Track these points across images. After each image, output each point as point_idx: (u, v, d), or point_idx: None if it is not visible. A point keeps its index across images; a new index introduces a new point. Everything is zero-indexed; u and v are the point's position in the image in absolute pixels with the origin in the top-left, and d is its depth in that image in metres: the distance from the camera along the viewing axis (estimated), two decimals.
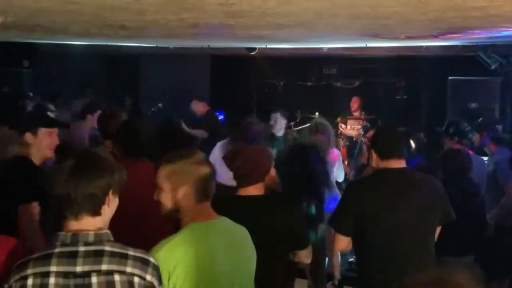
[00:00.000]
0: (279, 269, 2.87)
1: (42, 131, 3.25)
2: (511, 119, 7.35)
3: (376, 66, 9.33)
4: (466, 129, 5.34)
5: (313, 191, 4.06)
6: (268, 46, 7.85)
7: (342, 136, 8.50)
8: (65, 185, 1.79)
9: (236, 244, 2.29)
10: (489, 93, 7.83)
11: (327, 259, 5.11)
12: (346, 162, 7.29)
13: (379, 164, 3.05)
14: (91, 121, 5.48)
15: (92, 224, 1.83)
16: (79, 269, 1.75)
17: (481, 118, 5.83)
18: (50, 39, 7.43)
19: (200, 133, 7.48)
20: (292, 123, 8.61)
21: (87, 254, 1.77)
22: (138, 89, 11.00)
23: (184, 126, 6.85)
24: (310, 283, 4.64)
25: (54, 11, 3.66)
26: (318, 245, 3.96)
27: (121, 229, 1.97)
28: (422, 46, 7.45)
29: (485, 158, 5.36)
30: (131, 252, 1.83)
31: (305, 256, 3.04)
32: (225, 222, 2.29)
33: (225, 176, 3.24)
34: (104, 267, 1.76)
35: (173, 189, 2.20)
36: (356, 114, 8.86)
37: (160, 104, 9.12)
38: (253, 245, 2.38)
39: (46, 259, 1.76)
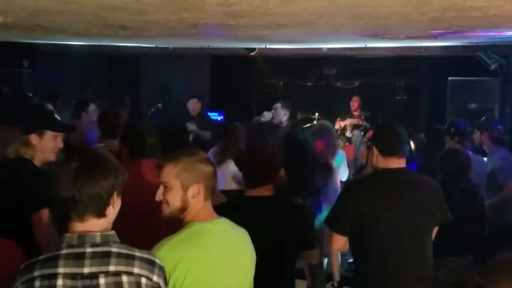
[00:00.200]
0: (290, 269, 2.87)
1: (48, 133, 3.24)
2: (510, 119, 7.35)
3: (376, 66, 9.33)
4: (467, 130, 5.35)
5: (308, 185, 4.06)
6: (268, 47, 7.85)
7: (341, 136, 8.50)
8: (71, 187, 1.78)
9: (235, 244, 2.29)
10: (489, 94, 7.82)
11: (326, 259, 5.11)
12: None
13: (379, 162, 3.05)
14: (86, 118, 5.51)
15: (97, 225, 1.82)
16: (86, 270, 1.74)
17: (483, 118, 5.82)
18: (50, 39, 7.43)
19: (207, 135, 7.51)
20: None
21: (94, 255, 1.76)
22: (138, 89, 11.00)
23: (194, 127, 6.88)
24: (309, 284, 4.63)
25: (54, 11, 3.66)
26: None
27: (125, 228, 1.97)
28: (422, 47, 7.45)
29: (486, 158, 5.35)
30: (137, 253, 1.83)
31: (314, 257, 3.04)
32: (225, 223, 2.30)
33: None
34: (111, 268, 1.76)
35: (183, 187, 2.18)
36: (356, 113, 8.87)
37: (160, 104, 9.12)
38: (252, 247, 2.37)
39: (53, 260, 1.75)
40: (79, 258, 1.75)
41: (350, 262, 5.67)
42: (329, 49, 8.07)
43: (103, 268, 1.75)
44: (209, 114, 9.36)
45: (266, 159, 2.82)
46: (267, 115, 6.65)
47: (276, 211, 2.80)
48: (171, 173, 2.19)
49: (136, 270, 1.79)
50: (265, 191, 2.80)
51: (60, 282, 1.73)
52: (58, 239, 1.82)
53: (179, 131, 4.73)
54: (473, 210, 4.15)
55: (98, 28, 4.94)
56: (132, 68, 10.86)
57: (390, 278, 2.98)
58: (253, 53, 8.31)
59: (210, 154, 5.29)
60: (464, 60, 7.88)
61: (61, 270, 1.73)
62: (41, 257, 1.78)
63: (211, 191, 2.25)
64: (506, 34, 5.11)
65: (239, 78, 10.49)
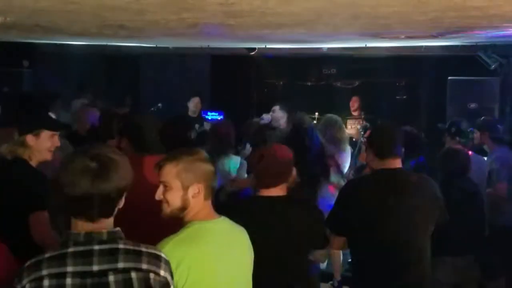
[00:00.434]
0: (303, 269, 2.88)
1: (45, 133, 3.24)
2: (510, 119, 7.35)
3: (376, 66, 9.33)
4: (468, 130, 5.35)
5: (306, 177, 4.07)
6: (268, 46, 7.85)
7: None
8: (87, 187, 1.76)
9: (235, 243, 2.30)
10: (489, 93, 7.82)
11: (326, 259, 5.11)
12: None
13: (375, 163, 3.06)
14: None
15: (104, 224, 1.82)
16: (95, 268, 1.74)
17: (482, 117, 5.83)
18: (50, 39, 7.43)
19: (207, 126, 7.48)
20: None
21: (102, 253, 1.76)
22: (138, 89, 10.98)
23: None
24: None
25: (54, 11, 3.66)
26: None
27: (125, 226, 1.96)
28: (422, 46, 7.46)
29: (486, 158, 5.36)
30: (143, 248, 1.83)
31: (322, 255, 3.05)
32: (225, 222, 2.30)
33: None
34: (120, 265, 1.75)
35: (184, 187, 2.18)
36: (356, 113, 8.86)
37: (160, 104, 9.10)
38: (251, 245, 2.38)
39: (61, 259, 1.74)
40: (88, 256, 1.74)
41: (350, 262, 5.67)
42: (329, 48, 8.07)
43: (112, 266, 1.75)
44: (209, 114, 9.36)
45: (280, 159, 2.82)
46: (266, 118, 6.67)
47: (291, 211, 2.79)
48: (171, 173, 2.19)
49: (144, 266, 1.79)
50: (278, 191, 2.79)
51: (69, 281, 1.71)
52: (63, 236, 1.80)
53: (183, 124, 4.74)
54: (473, 210, 4.15)
55: (98, 28, 4.94)
56: (132, 68, 10.84)
57: (388, 277, 2.99)
58: (253, 53, 8.30)
59: None
60: (464, 60, 7.88)
61: (70, 268, 1.72)
62: (47, 255, 1.76)
63: (211, 190, 2.25)
64: (506, 33, 5.10)
65: (239, 78, 10.49)
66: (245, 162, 5.04)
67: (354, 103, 8.92)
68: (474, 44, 6.86)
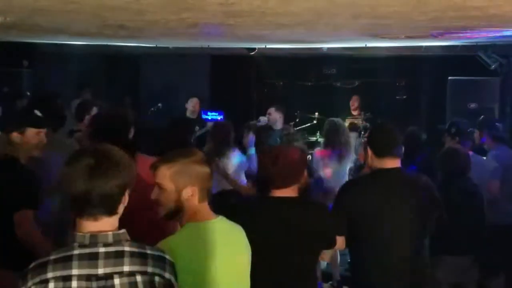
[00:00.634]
0: (313, 269, 2.91)
1: (30, 130, 3.24)
2: (510, 119, 7.35)
3: (376, 66, 9.34)
4: (468, 130, 5.35)
5: None
6: (267, 46, 7.85)
7: None
8: (85, 185, 1.75)
9: (233, 243, 2.30)
10: (489, 93, 7.83)
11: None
12: None
13: (374, 163, 3.06)
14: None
15: (108, 224, 1.80)
16: (101, 271, 1.72)
17: (482, 116, 5.84)
18: (50, 39, 7.43)
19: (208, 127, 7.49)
20: (291, 123, 8.61)
21: (107, 255, 1.74)
22: (138, 89, 10.99)
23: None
24: None
25: (54, 11, 3.66)
26: None
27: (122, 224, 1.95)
28: (421, 46, 7.46)
29: (485, 158, 5.36)
30: (148, 251, 1.82)
31: (327, 255, 3.05)
32: (222, 222, 2.30)
33: None
34: (126, 268, 1.74)
35: (177, 189, 2.18)
36: (356, 113, 8.88)
37: (159, 104, 9.11)
38: (248, 245, 2.38)
39: (66, 261, 1.72)
40: (93, 258, 1.73)
41: (349, 262, 5.68)
42: (329, 48, 8.07)
43: (118, 269, 1.74)
44: (209, 114, 9.36)
45: (294, 160, 2.82)
46: (262, 120, 6.70)
47: (303, 212, 2.80)
48: (166, 175, 2.18)
49: (149, 269, 1.78)
50: (291, 192, 2.80)
51: (75, 284, 1.70)
52: (68, 238, 1.78)
53: (183, 126, 4.73)
54: (473, 210, 4.15)
55: (98, 28, 4.94)
56: (132, 68, 10.85)
57: (387, 277, 2.99)
58: (253, 53, 8.30)
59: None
60: (464, 60, 7.88)
61: (75, 271, 1.70)
62: (52, 256, 1.74)
63: (207, 192, 2.23)
64: (506, 33, 5.10)
65: (239, 78, 10.49)
66: (245, 162, 5.05)
67: (354, 102, 8.94)
68: (474, 44, 6.86)
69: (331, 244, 2.93)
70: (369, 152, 3.08)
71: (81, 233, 1.77)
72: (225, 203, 4.09)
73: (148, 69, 10.83)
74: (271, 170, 2.76)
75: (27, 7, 3.50)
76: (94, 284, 1.71)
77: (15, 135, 3.20)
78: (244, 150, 5.24)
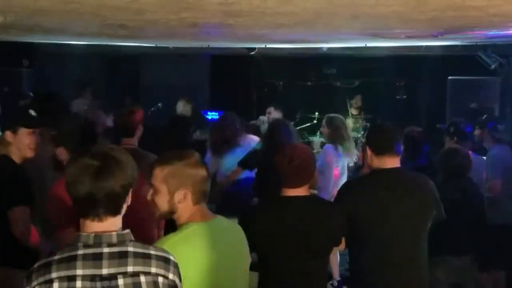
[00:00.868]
0: (325, 267, 2.95)
1: (22, 130, 3.23)
2: (510, 119, 7.35)
3: (376, 66, 9.34)
4: (466, 130, 5.35)
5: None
6: (267, 46, 7.85)
7: None
8: (91, 186, 1.75)
9: (232, 242, 2.30)
10: (489, 93, 7.83)
11: None
12: None
13: (373, 161, 3.06)
14: (101, 126, 5.56)
15: (113, 224, 1.80)
16: (105, 271, 1.72)
17: (485, 116, 5.85)
18: (50, 39, 7.43)
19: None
20: (291, 123, 8.61)
21: (111, 255, 1.74)
22: (138, 89, 10.99)
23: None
24: None
25: (53, 11, 3.66)
26: None
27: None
28: (422, 46, 7.45)
29: (485, 158, 5.36)
30: (152, 251, 1.82)
31: (333, 253, 3.07)
32: (221, 222, 2.30)
33: None
34: (130, 268, 1.74)
35: (170, 192, 2.17)
36: (356, 112, 8.91)
37: (159, 104, 9.11)
38: (247, 244, 2.39)
39: (70, 261, 1.72)
40: (97, 259, 1.73)
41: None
42: (329, 48, 8.07)
43: (122, 269, 1.74)
44: (209, 113, 9.36)
45: (308, 158, 2.85)
46: (262, 119, 6.74)
47: (317, 210, 2.84)
48: (159, 177, 2.18)
49: (153, 270, 1.78)
50: (303, 191, 2.82)
51: (79, 284, 1.70)
52: (73, 238, 1.78)
53: (185, 124, 4.71)
54: (473, 210, 4.15)
55: (98, 28, 4.94)
56: (132, 68, 10.85)
57: (386, 276, 2.99)
58: (253, 53, 8.31)
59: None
60: (464, 60, 7.88)
61: (79, 271, 1.70)
62: (56, 257, 1.74)
63: (202, 195, 2.21)
64: (506, 33, 5.10)
65: (239, 78, 10.49)
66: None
67: (358, 101, 9.00)
68: (474, 44, 6.86)
69: (338, 243, 2.96)
70: (368, 151, 3.08)
71: (85, 233, 1.78)
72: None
73: (148, 69, 10.83)
74: (286, 168, 2.77)
75: (27, 7, 3.50)
76: (98, 284, 1.71)
77: (8, 134, 3.21)
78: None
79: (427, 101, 9.71)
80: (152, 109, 9.25)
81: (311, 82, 10.14)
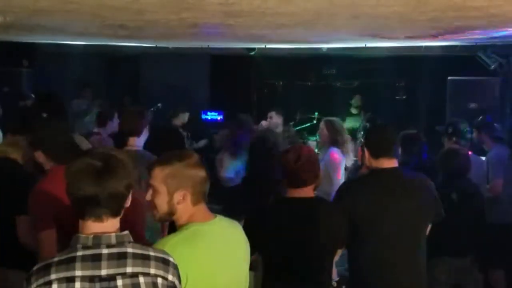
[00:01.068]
0: (330, 268, 2.95)
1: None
2: (510, 119, 7.35)
3: (376, 66, 9.33)
4: (465, 130, 5.35)
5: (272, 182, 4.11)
6: (267, 46, 7.85)
7: None
8: (95, 187, 1.76)
9: (232, 242, 2.30)
10: (489, 93, 7.82)
11: None
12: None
13: (371, 163, 3.07)
14: (111, 127, 5.67)
15: (112, 225, 1.81)
16: (104, 272, 1.72)
17: (481, 116, 5.85)
18: (50, 39, 7.43)
19: (202, 143, 7.57)
20: (291, 123, 8.62)
21: (110, 256, 1.74)
22: (138, 89, 10.99)
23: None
24: None
25: (53, 11, 3.66)
26: None
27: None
28: (421, 46, 7.45)
29: (484, 158, 5.36)
30: (152, 252, 1.82)
31: (337, 255, 3.07)
32: (221, 222, 2.29)
33: None
34: (128, 269, 1.75)
35: (169, 193, 2.17)
36: (356, 112, 8.92)
37: (159, 104, 9.11)
38: (248, 243, 2.39)
39: (69, 263, 1.72)
40: (96, 260, 1.73)
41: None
42: (328, 49, 8.07)
43: (120, 270, 1.74)
44: (209, 114, 9.36)
45: (314, 159, 2.87)
46: (264, 124, 6.76)
47: (322, 212, 2.85)
48: (158, 177, 2.17)
49: (152, 271, 1.78)
50: (308, 191, 2.83)
51: (78, 285, 1.70)
52: (72, 239, 1.79)
53: (172, 135, 4.70)
54: (473, 210, 4.15)
55: (97, 28, 4.94)
56: (132, 68, 10.85)
57: (385, 276, 2.99)
58: (252, 53, 8.31)
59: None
60: (464, 60, 7.88)
61: (78, 273, 1.71)
62: (56, 258, 1.74)
63: (202, 196, 2.21)
64: (506, 33, 5.11)
65: (239, 78, 10.49)
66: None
67: (358, 102, 9.01)
68: (474, 44, 6.87)
69: (342, 245, 2.97)
70: (366, 153, 3.09)
71: (84, 235, 1.78)
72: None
73: (148, 69, 10.83)
74: (294, 168, 2.78)
75: (27, 7, 3.50)
76: (97, 285, 1.72)
77: (19, 138, 3.19)
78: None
79: (426, 102, 9.70)
80: (152, 109, 9.24)
81: (310, 82, 10.13)
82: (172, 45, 8.53)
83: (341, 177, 5.30)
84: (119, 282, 1.73)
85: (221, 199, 4.08)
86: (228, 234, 2.29)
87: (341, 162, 5.28)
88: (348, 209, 2.96)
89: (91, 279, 1.71)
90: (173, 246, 2.07)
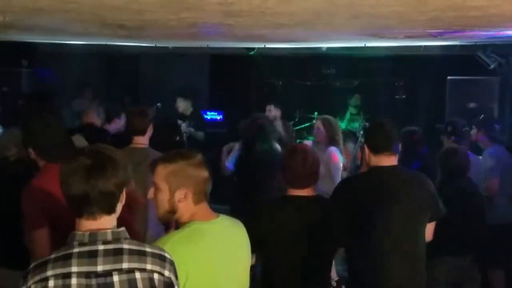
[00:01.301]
0: (329, 268, 2.97)
1: None
2: (509, 119, 7.35)
3: (375, 66, 9.33)
4: (464, 129, 5.36)
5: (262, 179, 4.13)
6: (267, 46, 7.85)
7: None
8: (84, 185, 1.77)
9: (234, 241, 2.31)
10: (488, 93, 7.82)
11: None
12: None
13: (371, 160, 3.08)
14: (116, 125, 5.74)
15: (107, 222, 1.82)
16: (100, 268, 1.74)
17: (482, 116, 5.86)
18: (49, 39, 7.42)
19: (200, 135, 7.57)
20: (291, 123, 8.62)
21: (106, 253, 1.76)
22: (137, 89, 10.99)
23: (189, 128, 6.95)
24: None
25: (53, 11, 3.66)
26: None
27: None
28: (421, 46, 7.45)
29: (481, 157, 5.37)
30: (148, 248, 1.83)
31: (336, 254, 3.09)
32: (223, 221, 2.30)
33: None
34: (125, 265, 1.76)
35: (171, 190, 2.18)
36: (356, 111, 8.92)
37: (159, 104, 9.11)
38: (249, 242, 2.39)
39: (66, 259, 1.74)
40: (92, 256, 1.74)
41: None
42: (328, 48, 8.06)
43: (117, 266, 1.75)
44: (208, 113, 9.35)
45: (316, 158, 2.87)
46: (267, 111, 6.83)
47: (322, 210, 2.87)
48: (161, 175, 2.19)
49: (148, 267, 1.79)
50: (310, 191, 2.85)
51: (74, 281, 1.71)
52: (68, 237, 1.80)
53: (170, 130, 4.73)
54: (472, 209, 4.15)
55: (97, 27, 4.93)
56: (131, 68, 10.84)
57: (384, 275, 2.99)
58: (252, 53, 8.31)
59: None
60: (463, 60, 7.88)
61: (75, 269, 1.72)
62: (52, 256, 1.76)
63: (203, 195, 2.23)
64: (506, 33, 5.11)
65: (239, 78, 10.48)
66: None
67: (357, 101, 9.02)
68: (473, 43, 6.86)
69: (344, 242, 2.97)
70: (366, 149, 3.10)
71: (80, 232, 1.79)
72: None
73: (147, 69, 10.83)
74: (302, 172, 2.78)
75: (26, 7, 3.50)
76: (94, 281, 1.73)
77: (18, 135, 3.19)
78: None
79: (426, 101, 9.70)
80: (153, 108, 9.25)
81: (310, 81, 10.13)
82: (172, 45, 8.53)
83: (339, 177, 5.30)
84: (116, 278, 1.74)
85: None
86: (230, 234, 2.29)
87: (340, 161, 5.27)
88: (347, 207, 2.96)
89: (88, 275, 1.72)
90: (174, 244, 2.08)
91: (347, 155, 5.86)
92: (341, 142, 5.38)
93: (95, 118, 5.51)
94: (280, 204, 2.90)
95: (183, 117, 7.70)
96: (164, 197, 2.19)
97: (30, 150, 2.99)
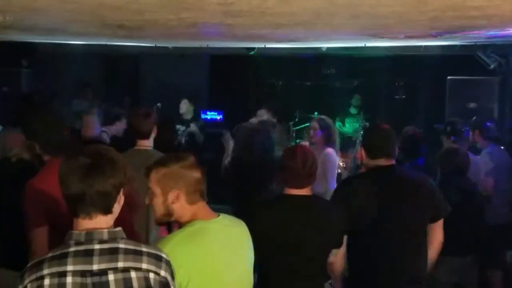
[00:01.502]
0: (325, 268, 2.97)
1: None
2: (509, 119, 7.35)
3: (375, 66, 9.33)
4: (463, 129, 5.37)
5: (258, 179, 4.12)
6: (267, 46, 7.85)
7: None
8: (81, 184, 1.78)
9: (235, 241, 2.31)
10: (488, 93, 7.82)
11: None
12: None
13: (369, 163, 3.07)
14: (120, 126, 5.77)
15: (104, 222, 1.83)
16: (95, 267, 1.74)
17: (474, 117, 5.88)
18: (49, 39, 7.43)
19: (200, 138, 7.57)
20: (291, 123, 8.62)
21: (102, 252, 1.77)
22: (137, 89, 10.99)
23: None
24: None
25: (53, 11, 3.66)
26: None
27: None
28: (421, 46, 7.45)
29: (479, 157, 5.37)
30: (144, 248, 1.84)
31: (335, 254, 3.09)
32: (224, 220, 2.31)
33: None
34: (120, 264, 1.77)
35: (163, 193, 2.21)
36: (356, 111, 8.93)
37: (158, 104, 9.11)
38: (251, 240, 2.40)
39: (62, 258, 1.75)
40: (88, 255, 1.75)
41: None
42: (328, 48, 8.06)
43: (112, 265, 1.76)
44: (208, 113, 9.35)
45: (316, 161, 2.89)
46: (254, 121, 6.77)
47: (319, 210, 2.87)
48: (154, 179, 2.22)
49: (144, 266, 1.80)
50: (308, 190, 2.86)
51: (69, 279, 1.72)
52: (65, 236, 1.81)
53: (167, 127, 4.73)
54: (472, 209, 4.15)
55: (97, 27, 4.93)
56: (131, 68, 10.85)
57: (385, 274, 2.99)
58: (252, 53, 8.31)
59: None
60: (463, 60, 7.88)
61: (70, 267, 1.73)
62: (49, 254, 1.77)
63: (198, 195, 2.24)
64: (505, 33, 5.11)
65: (238, 78, 10.49)
66: None
67: (357, 101, 9.03)
68: (473, 43, 6.87)
69: (341, 243, 2.97)
70: (363, 152, 3.10)
71: (77, 231, 1.81)
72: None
73: (147, 69, 10.83)
74: (302, 173, 2.79)
75: (26, 7, 3.50)
76: (89, 279, 1.74)
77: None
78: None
79: (426, 101, 9.70)
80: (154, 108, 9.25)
81: (310, 82, 10.13)
82: (172, 45, 8.53)
83: (335, 178, 5.28)
84: (111, 276, 1.75)
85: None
86: (231, 233, 2.30)
87: (336, 162, 5.26)
88: (346, 206, 2.96)
89: (83, 273, 1.73)
90: (175, 245, 2.08)
91: (344, 156, 5.85)
92: (337, 142, 5.36)
93: (96, 129, 5.49)
94: (279, 203, 2.91)
95: (182, 120, 7.68)
96: (158, 201, 2.22)
97: (35, 144, 2.99)
